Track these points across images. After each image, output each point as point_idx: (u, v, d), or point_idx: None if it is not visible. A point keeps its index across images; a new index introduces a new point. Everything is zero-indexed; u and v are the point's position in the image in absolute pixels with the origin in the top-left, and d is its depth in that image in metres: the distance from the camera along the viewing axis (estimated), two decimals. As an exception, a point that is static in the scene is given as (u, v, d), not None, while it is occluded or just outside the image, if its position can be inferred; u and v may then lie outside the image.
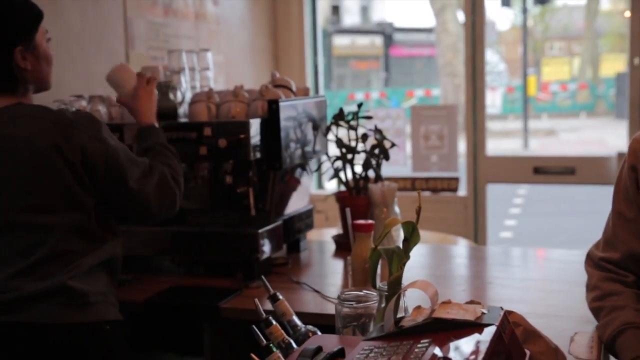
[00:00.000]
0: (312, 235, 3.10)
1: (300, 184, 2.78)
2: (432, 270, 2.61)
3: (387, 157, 2.79)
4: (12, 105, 1.86)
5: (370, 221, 2.02)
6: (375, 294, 1.62)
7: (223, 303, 2.19)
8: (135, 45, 3.54)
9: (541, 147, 14.72)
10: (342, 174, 2.80)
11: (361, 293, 1.64)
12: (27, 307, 1.75)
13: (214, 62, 2.99)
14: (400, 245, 1.58)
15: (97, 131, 1.87)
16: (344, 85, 21.38)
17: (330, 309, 2.01)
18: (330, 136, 2.79)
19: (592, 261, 1.81)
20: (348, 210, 2.16)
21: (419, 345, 1.24)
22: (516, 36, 19.00)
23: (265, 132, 2.40)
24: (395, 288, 1.52)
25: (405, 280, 1.57)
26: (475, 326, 1.28)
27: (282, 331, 1.54)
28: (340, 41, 21.82)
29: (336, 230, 3.12)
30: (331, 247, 2.88)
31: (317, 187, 5.19)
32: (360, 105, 2.78)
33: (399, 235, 2.65)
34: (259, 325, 1.52)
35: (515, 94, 17.93)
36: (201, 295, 2.30)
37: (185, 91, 2.55)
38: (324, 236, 3.26)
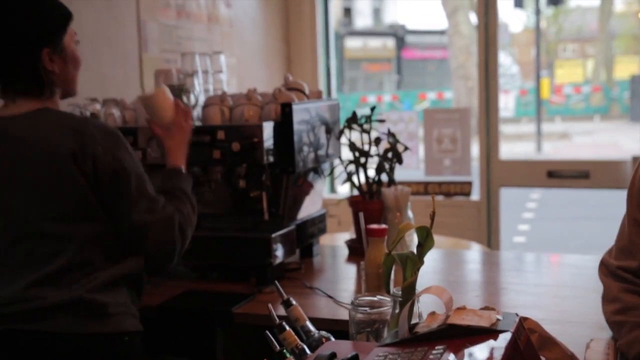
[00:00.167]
0: (325, 240, 3.09)
1: (313, 188, 2.77)
2: (446, 276, 2.59)
3: (400, 161, 2.78)
4: (37, 110, 1.83)
5: (383, 226, 2.02)
6: (389, 299, 1.61)
7: (236, 308, 2.19)
8: (149, 48, 3.54)
9: (555, 151, 14.65)
10: (355, 178, 2.79)
11: (375, 298, 1.63)
12: (45, 317, 1.74)
13: (227, 64, 2.99)
14: (414, 250, 1.57)
15: (114, 147, 1.82)
16: (356, 87, 21.38)
17: (344, 314, 2.01)
18: (343, 140, 2.78)
19: (607, 270, 1.77)
20: (361, 215, 2.15)
21: (434, 352, 1.23)
22: (529, 38, 18.95)
23: (278, 136, 2.40)
24: (409, 294, 1.51)
25: (418, 286, 1.56)
26: (491, 332, 1.27)
27: (296, 337, 1.54)
28: (352, 43, 21.82)
29: (349, 235, 3.11)
30: (344, 252, 2.87)
31: (329, 191, 5.18)
32: (373, 109, 2.77)
33: (413, 240, 2.64)
34: (273, 331, 1.51)
35: (528, 96, 17.87)
36: (214, 300, 2.29)
37: (198, 94, 2.55)
38: (336, 241, 3.25)
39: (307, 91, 2.68)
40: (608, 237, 1.80)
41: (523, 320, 1.36)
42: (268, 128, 2.36)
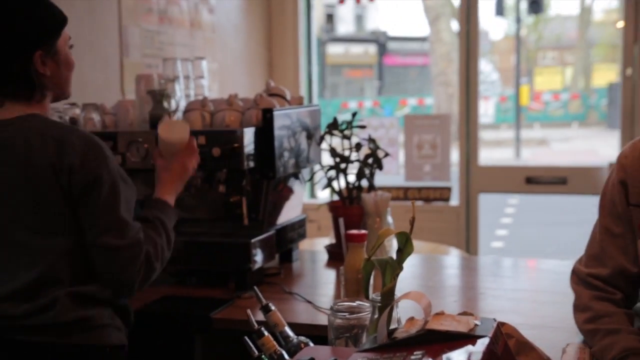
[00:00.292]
0: (304, 245, 3.10)
1: (294, 193, 2.78)
2: (424, 281, 2.60)
3: (380, 167, 2.79)
4: (24, 116, 1.78)
5: (363, 231, 2.02)
6: (368, 304, 1.62)
7: (215, 313, 2.18)
8: (130, 53, 3.54)
9: (533, 157, 14.76)
10: (335, 184, 2.80)
11: (354, 304, 1.64)
12: (23, 328, 1.72)
13: (209, 70, 2.99)
14: (394, 256, 1.58)
15: (94, 159, 1.74)
16: (337, 93, 21.41)
17: (323, 319, 2.01)
18: (324, 145, 2.79)
19: (578, 278, 1.79)
20: (341, 220, 2.16)
21: (412, 357, 1.25)
22: (509, 45, 19.08)
23: (259, 141, 2.40)
24: (388, 299, 1.53)
25: (397, 291, 1.57)
26: (469, 338, 1.28)
27: (274, 342, 1.54)
28: (334, 49, 21.86)
29: (329, 240, 3.11)
30: (324, 257, 2.87)
31: (309, 197, 5.19)
32: (354, 115, 2.78)
33: (392, 245, 2.65)
34: (251, 336, 1.52)
35: (507, 103, 17.99)
36: (192, 305, 2.29)
37: (179, 99, 2.55)
38: (316, 246, 3.25)
39: (288, 97, 2.69)
40: (585, 243, 1.82)
41: (501, 325, 1.37)
42: (249, 133, 2.36)
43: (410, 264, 2.66)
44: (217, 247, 2.44)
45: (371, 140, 2.80)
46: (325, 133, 2.77)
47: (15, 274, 1.75)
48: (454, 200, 4.78)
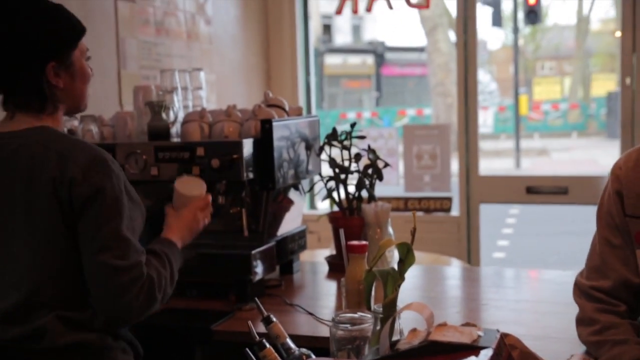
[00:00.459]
0: (305, 256, 3.08)
1: (293, 204, 2.76)
2: (426, 292, 2.59)
3: (380, 177, 2.78)
4: (32, 128, 1.73)
5: (364, 242, 2.01)
6: (369, 316, 1.61)
7: (215, 325, 2.17)
8: (127, 65, 3.53)
9: (533, 167, 14.77)
10: (335, 194, 2.78)
11: (355, 315, 1.62)
12: (22, 352, 1.68)
13: (207, 81, 2.98)
14: (395, 267, 1.57)
15: (97, 173, 1.67)
16: (336, 104, 21.46)
17: (325, 331, 2.00)
18: (323, 156, 2.78)
19: (580, 291, 1.77)
20: (341, 231, 2.14)
21: (415, 370, 1.23)
22: (507, 55, 19.15)
23: (258, 152, 2.39)
24: (390, 310, 1.51)
25: (399, 302, 1.56)
26: (472, 349, 1.27)
27: (276, 354, 1.53)
28: (332, 60, 21.94)
29: (329, 251, 3.10)
30: (324, 268, 2.86)
31: (309, 208, 5.17)
32: (353, 125, 2.77)
33: (393, 256, 2.64)
34: (253, 348, 1.50)
35: (506, 113, 18.03)
36: (193, 317, 2.27)
37: (177, 111, 2.54)
38: (317, 257, 3.24)
39: (286, 108, 2.68)
40: (586, 253, 1.80)
41: (504, 336, 1.36)
42: (248, 144, 2.35)
43: (412, 275, 2.65)
44: (217, 259, 2.43)
45: (371, 150, 2.79)
46: (325, 144, 2.76)
47: (6, 292, 1.71)
48: (455, 211, 4.77)
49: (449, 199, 4.78)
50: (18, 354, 1.68)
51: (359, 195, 2.78)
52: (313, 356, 1.60)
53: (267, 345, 1.53)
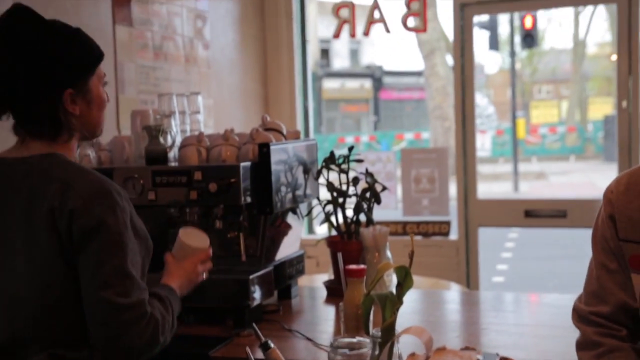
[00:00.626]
0: (303, 281, 3.07)
1: (291, 228, 2.75)
2: (425, 316, 2.57)
3: (378, 201, 2.78)
4: (39, 155, 1.66)
5: (362, 266, 2.00)
6: (368, 340, 1.59)
7: (213, 352, 2.15)
8: (125, 90, 3.54)
9: (531, 190, 14.79)
10: (333, 218, 2.77)
11: (354, 340, 1.61)
12: None
13: (204, 105, 2.99)
14: (394, 291, 1.56)
15: (99, 204, 1.59)
16: (334, 128, 21.53)
17: (323, 357, 1.98)
18: (321, 180, 2.78)
19: (579, 316, 1.75)
20: (340, 255, 2.13)
21: (414, 395, 1.21)
22: (504, 79, 19.25)
23: (256, 176, 2.39)
24: (389, 334, 1.50)
25: (398, 326, 1.55)
26: (472, 375, 1.25)
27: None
28: (330, 84, 22.03)
29: (327, 276, 3.09)
30: (323, 293, 2.84)
31: (307, 232, 5.16)
32: (351, 149, 2.77)
33: (392, 280, 2.63)
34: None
35: (504, 136, 18.09)
36: (191, 343, 2.25)
37: (175, 135, 2.54)
38: (315, 282, 3.23)
39: (284, 131, 2.68)
40: (585, 276, 1.79)
41: (504, 361, 1.34)
42: (245, 168, 2.35)
43: (411, 299, 2.64)
44: (214, 284, 2.41)
45: (368, 174, 2.78)
46: (323, 167, 2.75)
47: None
48: (453, 235, 4.76)
49: (448, 223, 4.77)
50: None
51: (357, 219, 2.77)
52: (311, 382, 1.58)
53: (272, 345, 1.50)
